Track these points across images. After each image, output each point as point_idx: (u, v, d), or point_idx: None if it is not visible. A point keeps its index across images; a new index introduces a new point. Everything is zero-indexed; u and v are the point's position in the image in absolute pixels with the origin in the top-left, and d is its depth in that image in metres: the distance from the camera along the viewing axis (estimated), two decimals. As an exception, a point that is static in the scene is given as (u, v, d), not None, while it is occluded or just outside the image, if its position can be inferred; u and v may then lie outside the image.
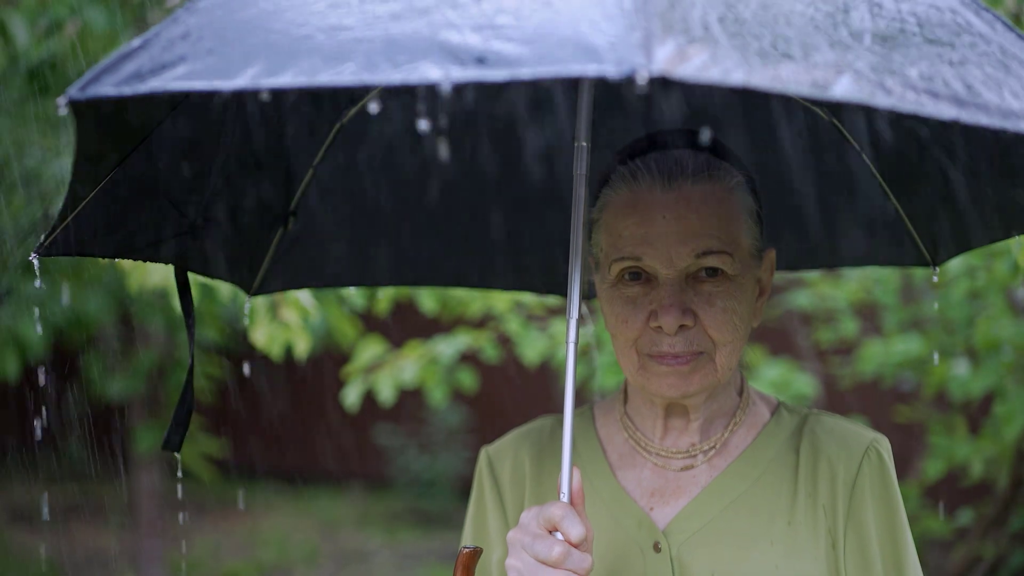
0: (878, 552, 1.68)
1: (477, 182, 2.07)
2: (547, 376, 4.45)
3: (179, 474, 7.18)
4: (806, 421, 1.76)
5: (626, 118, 1.97)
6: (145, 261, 1.76)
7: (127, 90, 1.20)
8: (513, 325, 3.88)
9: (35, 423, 5.50)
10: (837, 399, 4.94)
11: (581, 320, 1.62)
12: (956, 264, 3.50)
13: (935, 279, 2.09)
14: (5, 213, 5.59)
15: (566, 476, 1.56)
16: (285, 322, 3.27)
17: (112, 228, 1.63)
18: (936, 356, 4.01)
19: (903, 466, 5.11)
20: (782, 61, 1.14)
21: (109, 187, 1.53)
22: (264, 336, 3.26)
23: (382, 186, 2.02)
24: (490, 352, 3.86)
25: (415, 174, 2.03)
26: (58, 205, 4.62)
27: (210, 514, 9.17)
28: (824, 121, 1.92)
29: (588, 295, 2.01)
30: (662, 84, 1.08)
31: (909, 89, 1.17)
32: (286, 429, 9.96)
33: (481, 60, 1.11)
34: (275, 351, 3.29)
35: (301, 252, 2.02)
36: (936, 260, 2.04)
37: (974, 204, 1.83)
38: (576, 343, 1.59)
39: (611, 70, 1.06)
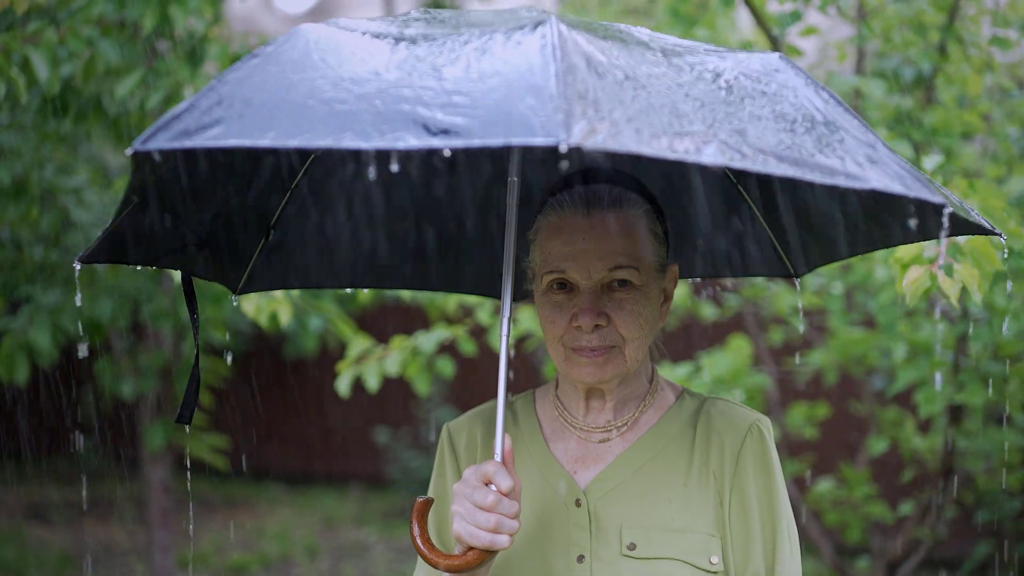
0: (756, 509, 2.05)
1: (425, 204, 2.44)
2: (534, 376, 4.81)
3: (187, 465, 7.45)
4: (704, 404, 2.14)
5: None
6: (162, 268, 2.13)
7: (177, 144, 1.52)
8: (484, 316, 4.27)
9: (49, 423, 5.78)
10: (791, 394, 5.32)
11: (512, 319, 2.03)
12: (881, 274, 3.88)
13: (797, 290, 2.48)
14: (24, 224, 5.95)
15: (499, 441, 1.94)
16: (271, 295, 3.74)
17: (137, 242, 1.97)
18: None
19: (851, 455, 5.44)
20: (665, 135, 1.50)
21: (136, 211, 1.86)
22: (253, 306, 3.75)
23: (345, 206, 2.37)
24: (466, 346, 4.24)
25: (372, 196, 2.38)
26: (73, 217, 5.00)
27: (218, 510, 9.46)
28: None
29: (515, 298, 2.41)
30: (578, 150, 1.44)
31: (759, 153, 1.52)
32: (290, 431, 10.30)
33: (445, 131, 1.47)
34: (262, 320, 3.77)
35: (277, 259, 2.37)
36: (797, 273, 2.41)
37: (820, 230, 2.23)
38: (508, 335, 1.99)
39: (541, 141, 1.43)
